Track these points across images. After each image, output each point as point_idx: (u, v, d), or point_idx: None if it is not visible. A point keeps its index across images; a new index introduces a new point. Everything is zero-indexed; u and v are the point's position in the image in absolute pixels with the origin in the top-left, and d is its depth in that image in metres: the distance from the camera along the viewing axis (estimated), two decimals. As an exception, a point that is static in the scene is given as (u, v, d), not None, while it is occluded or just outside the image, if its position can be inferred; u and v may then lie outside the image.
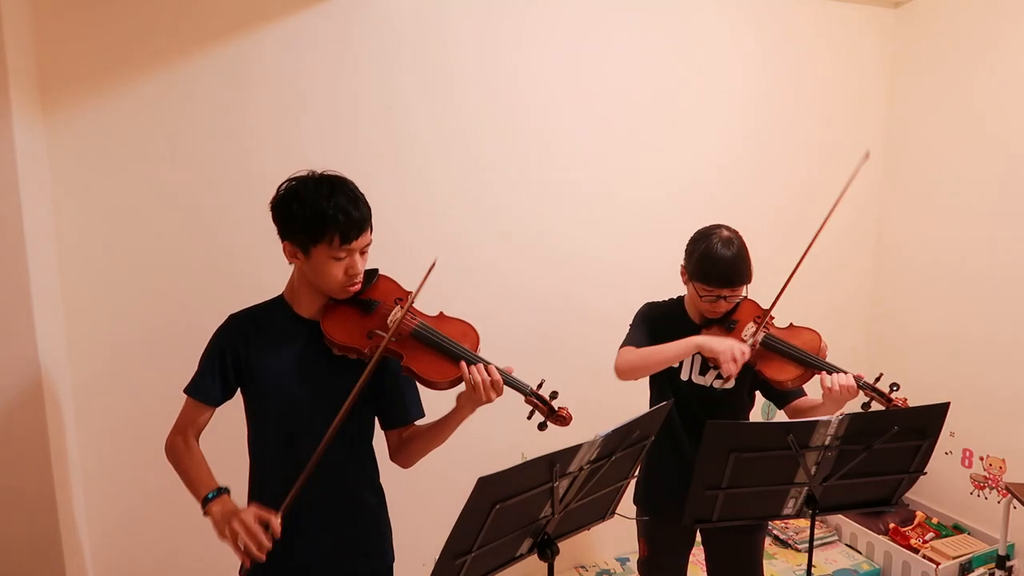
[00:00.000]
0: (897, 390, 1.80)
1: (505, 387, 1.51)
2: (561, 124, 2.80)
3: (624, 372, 1.96)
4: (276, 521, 1.38)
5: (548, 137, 2.79)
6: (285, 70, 2.36)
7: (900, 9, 3.37)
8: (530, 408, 1.54)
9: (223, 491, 1.48)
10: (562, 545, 1.53)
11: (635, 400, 2.05)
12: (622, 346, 2.00)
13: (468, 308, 2.62)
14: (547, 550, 1.50)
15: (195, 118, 2.27)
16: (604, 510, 1.69)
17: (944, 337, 3.25)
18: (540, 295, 2.87)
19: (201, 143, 2.29)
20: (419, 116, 2.57)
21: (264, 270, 2.27)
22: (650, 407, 2.07)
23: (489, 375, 1.48)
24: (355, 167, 2.48)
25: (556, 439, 1.46)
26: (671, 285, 2.10)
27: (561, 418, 1.53)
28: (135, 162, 2.22)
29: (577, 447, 1.39)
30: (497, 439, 2.53)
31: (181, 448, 1.56)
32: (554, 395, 1.55)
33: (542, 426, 1.53)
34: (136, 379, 2.30)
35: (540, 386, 1.55)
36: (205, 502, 1.45)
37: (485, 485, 1.25)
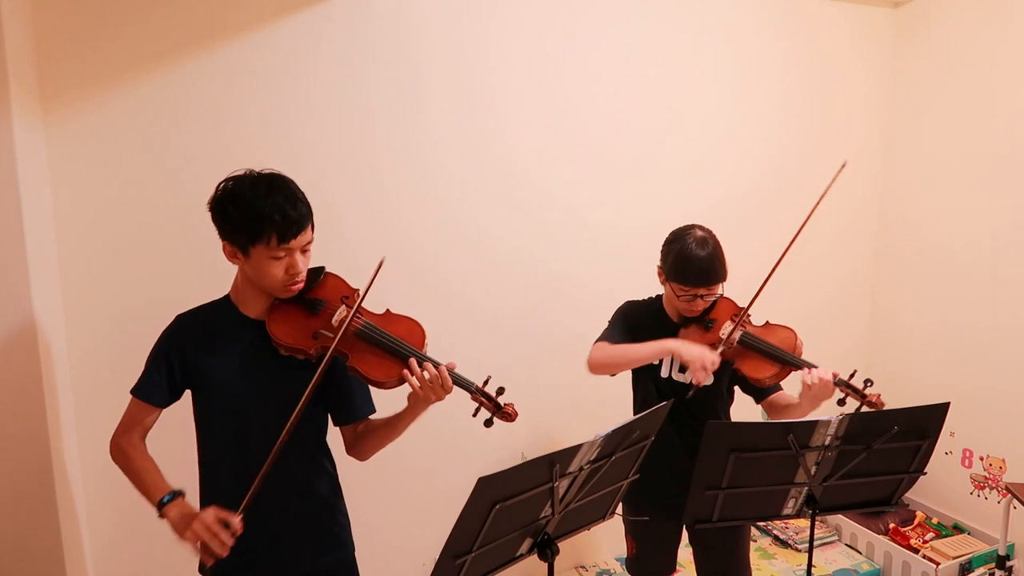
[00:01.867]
0: (871, 386, 1.82)
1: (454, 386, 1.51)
2: (559, 125, 2.80)
3: (595, 366, 1.99)
4: (236, 520, 1.40)
5: (524, 139, 2.76)
6: (286, 70, 2.36)
7: (900, 9, 3.37)
8: (476, 405, 1.54)
9: (178, 494, 1.48)
10: (562, 545, 1.53)
11: (617, 396, 2.05)
12: (597, 341, 2.03)
13: (443, 310, 2.65)
14: (547, 550, 1.50)
15: (195, 117, 2.27)
16: (604, 510, 1.69)
17: (944, 337, 3.24)
18: (535, 290, 2.86)
19: (201, 142, 2.28)
20: (422, 115, 2.57)
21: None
22: (633, 403, 2.10)
23: (436, 373, 1.48)
24: (365, 167, 2.54)
25: (556, 439, 1.46)
26: (650, 286, 2.11)
27: (507, 415, 1.53)
28: (135, 161, 2.22)
29: (577, 447, 1.39)
30: (497, 439, 2.53)
31: (127, 449, 1.56)
32: (500, 391, 1.54)
33: (488, 423, 1.52)
34: (136, 376, 2.29)
35: (486, 383, 1.54)
36: (160, 505, 1.46)
37: (485, 485, 1.25)
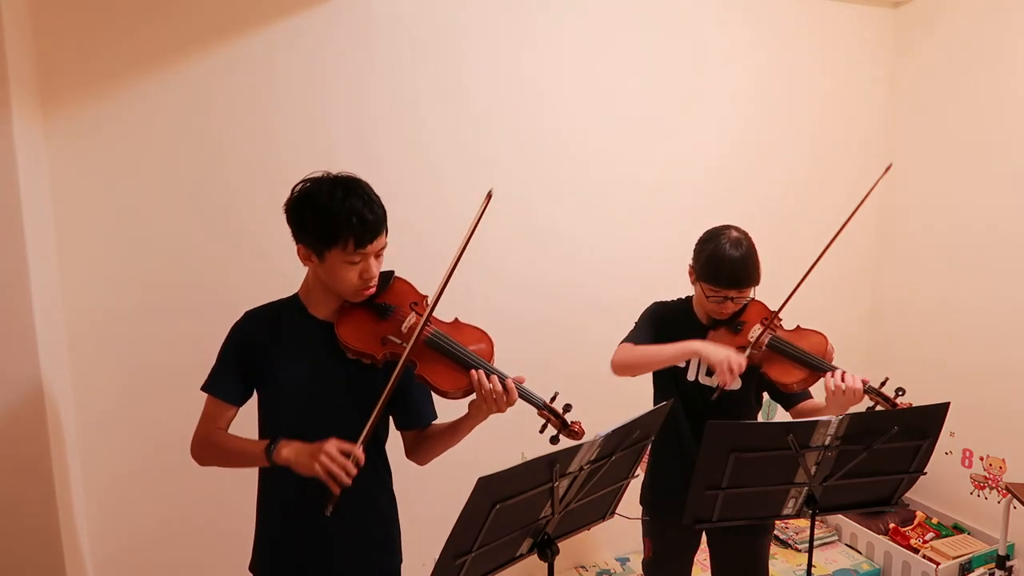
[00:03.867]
0: (903, 395, 1.78)
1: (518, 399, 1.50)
2: (570, 123, 2.81)
3: (619, 368, 1.96)
4: (358, 450, 1.39)
5: (558, 135, 2.79)
6: (287, 70, 2.36)
7: (900, 9, 3.37)
8: (543, 421, 1.52)
9: (278, 438, 1.45)
10: (562, 545, 1.53)
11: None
12: (623, 342, 1.99)
13: (485, 307, 2.66)
14: (547, 550, 1.50)
15: (195, 118, 2.27)
16: (604, 510, 1.69)
17: (944, 337, 3.25)
18: (556, 292, 2.89)
19: (202, 143, 2.29)
20: (429, 114, 2.58)
21: (265, 269, 2.29)
22: (653, 404, 2.08)
23: (503, 388, 1.47)
24: (366, 167, 2.51)
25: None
26: (684, 283, 2.10)
27: (574, 432, 1.51)
28: (135, 162, 2.22)
29: (577, 447, 1.39)
30: (497, 439, 2.52)
31: (211, 439, 1.53)
32: (567, 408, 1.52)
33: (555, 439, 1.49)
34: (137, 378, 2.30)
35: (553, 399, 1.52)
36: (269, 452, 1.43)
37: (485, 485, 1.25)
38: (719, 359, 1.80)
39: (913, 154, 3.35)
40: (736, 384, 1.93)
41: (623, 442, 1.52)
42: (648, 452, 2.10)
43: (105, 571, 2.32)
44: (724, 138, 3.12)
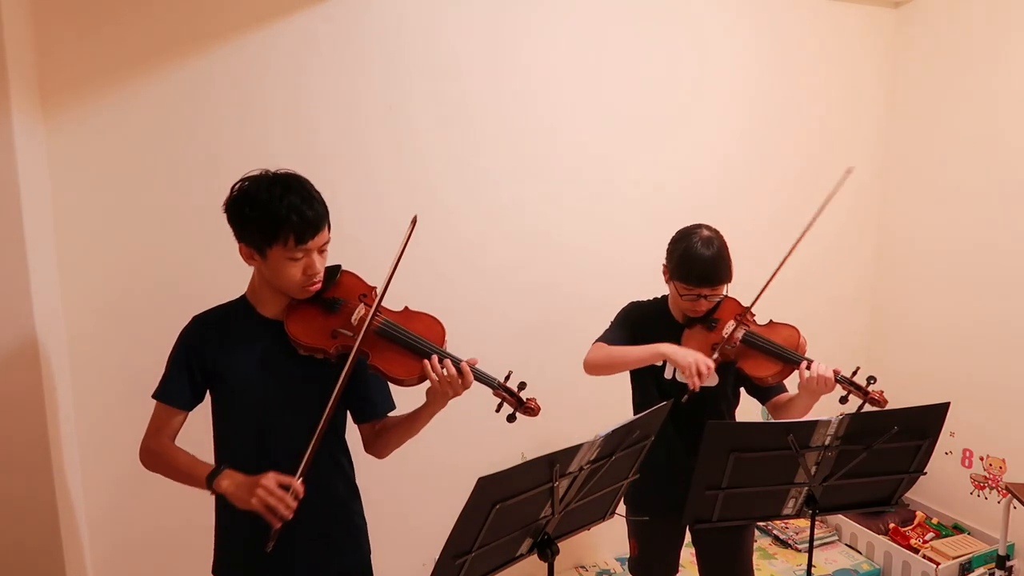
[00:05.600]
0: (874, 383, 1.81)
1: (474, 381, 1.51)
2: (566, 124, 2.81)
3: (591, 367, 1.99)
4: (297, 483, 1.40)
5: (553, 135, 2.79)
6: (288, 71, 2.36)
7: (900, 9, 3.37)
8: (498, 401, 1.54)
9: (222, 467, 1.46)
10: (562, 545, 1.53)
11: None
12: (596, 341, 2.02)
13: (469, 305, 2.66)
14: (547, 550, 1.50)
15: (196, 119, 2.27)
16: (604, 510, 1.69)
17: (944, 337, 3.24)
18: (550, 293, 2.88)
19: (202, 142, 2.28)
20: (422, 114, 2.57)
21: (264, 270, 2.29)
22: (633, 403, 2.09)
23: (457, 370, 1.48)
24: (362, 166, 2.54)
25: (557, 439, 1.46)
26: (648, 290, 2.12)
27: (530, 409, 1.53)
28: (135, 163, 2.21)
29: (577, 447, 1.39)
30: (497, 439, 2.53)
31: (158, 450, 1.54)
32: (522, 386, 1.54)
33: (511, 418, 1.52)
34: (137, 378, 2.28)
35: (508, 378, 1.54)
36: (210, 480, 1.44)
37: (485, 485, 1.25)
38: (687, 363, 1.81)
39: (913, 154, 3.35)
40: (712, 381, 1.94)
41: (623, 442, 1.52)
42: None
43: (105, 571, 2.32)
44: (723, 138, 3.12)
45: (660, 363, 1.99)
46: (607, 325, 2.09)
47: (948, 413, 1.71)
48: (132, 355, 2.28)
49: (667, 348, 1.87)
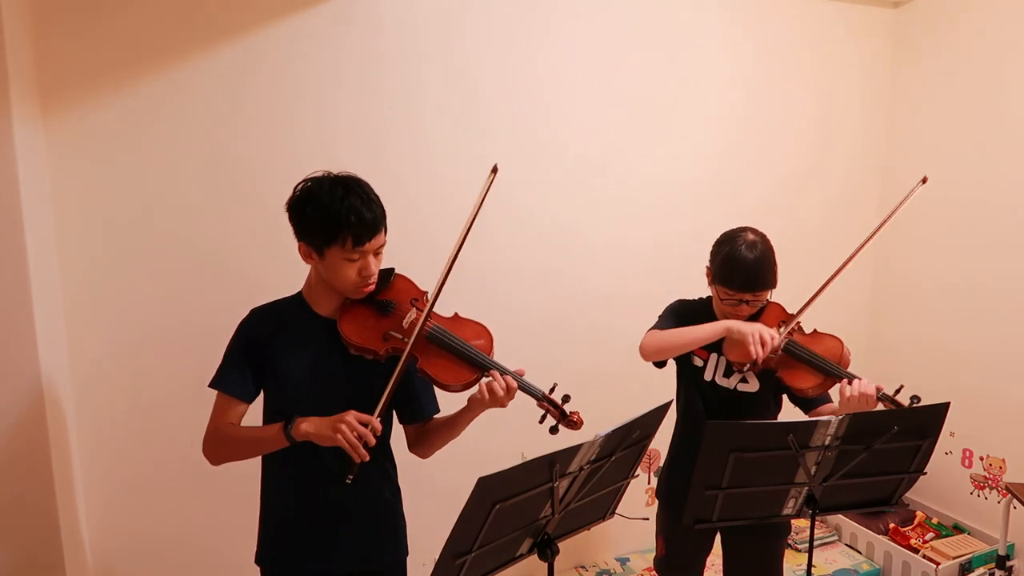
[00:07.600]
0: (917, 402, 1.76)
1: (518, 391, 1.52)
2: (575, 120, 2.82)
3: (649, 352, 1.95)
4: (375, 421, 1.44)
5: (563, 132, 2.80)
6: (287, 71, 2.36)
7: (900, 9, 3.37)
8: (542, 412, 1.55)
9: (293, 418, 1.47)
10: (562, 545, 1.53)
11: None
12: (650, 330, 1.99)
13: (488, 304, 2.66)
14: (547, 550, 1.50)
15: (196, 119, 2.27)
16: (604, 510, 1.69)
17: (944, 336, 3.24)
18: (565, 288, 2.89)
19: (202, 144, 2.28)
20: (436, 112, 2.58)
21: (266, 270, 2.29)
22: (676, 405, 2.08)
23: (504, 383, 1.50)
24: (371, 164, 2.51)
25: (557, 439, 1.46)
26: (692, 278, 2.11)
27: (573, 423, 1.55)
28: (135, 163, 2.22)
29: (577, 447, 1.39)
30: (497, 439, 2.53)
31: (223, 431, 1.53)
32: (566, 399, 1.56)
33: (554, 430, 1.53)
34: (137, 381, 2.29)
35: (552, 390, 1.55)
36: (287, 429, 1.45)
37: (485, 485, 1.25)
38: (751, 330, 1.77)
39: (913, 154, 3.35)
40: (753, 386, 1.93)
41: (623, 442, 1.52)
42: (668, 448, 2.11)
43: (106, 571, 2.32)
44: (724, 137, 3.12)
45: (700, 364, 1.97)
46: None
47: (948, 413, 1.71)
48: (132, 353, 2.28)
49: (730, 322, 1.84)
